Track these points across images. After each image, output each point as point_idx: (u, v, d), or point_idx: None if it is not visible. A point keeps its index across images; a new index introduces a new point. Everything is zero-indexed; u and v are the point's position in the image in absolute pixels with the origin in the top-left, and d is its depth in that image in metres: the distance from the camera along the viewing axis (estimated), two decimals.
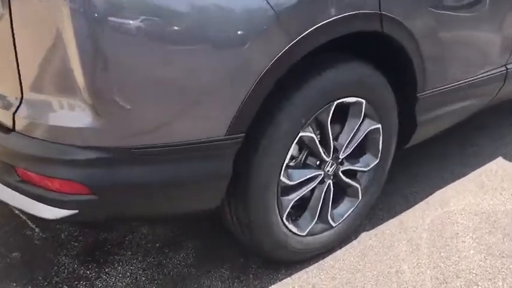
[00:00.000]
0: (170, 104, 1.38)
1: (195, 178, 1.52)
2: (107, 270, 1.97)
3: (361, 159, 2.06)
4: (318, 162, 1.90)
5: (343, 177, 2.00)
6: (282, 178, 1.75)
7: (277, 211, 1.80)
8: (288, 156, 1.73)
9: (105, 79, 1.29)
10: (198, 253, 2.08)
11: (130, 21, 1.26)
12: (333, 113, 1.80)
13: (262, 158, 1.65)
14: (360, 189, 2.08)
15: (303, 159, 1.89)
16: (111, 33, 1.27)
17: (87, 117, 1.32)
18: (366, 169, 2.06)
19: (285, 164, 1.73)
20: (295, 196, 1.86)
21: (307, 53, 1.57)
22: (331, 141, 1.86)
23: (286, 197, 1.83)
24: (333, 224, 2.03)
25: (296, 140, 1.72)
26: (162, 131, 1.39)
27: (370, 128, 1.98)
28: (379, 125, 2.01)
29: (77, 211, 1.42)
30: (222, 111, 1.46)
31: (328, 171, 1.93)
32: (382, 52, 1.93)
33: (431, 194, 2.51)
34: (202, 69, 1.38)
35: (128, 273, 1.95)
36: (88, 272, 1.96)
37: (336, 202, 2.07)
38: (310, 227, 1.94)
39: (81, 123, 1.33)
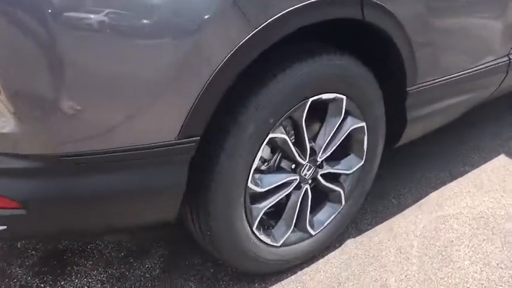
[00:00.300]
0: (105, 105, 1.18)
1: (142, 188, 1.33)
2: (62, 283, 1.80)
3: (343, 161, 1.86)
4: (293, 166, 1.70)
5: (323, 182, 1.80)
6: (250, 185, 1.56)
7: (246, 221, 1.61)
8: (256, 161, 1.53)
9: (23, 79, 1.09)
10: (165, 263, 1.90)
11: (50, 10, 1.06)
12: (309, 111, 1.59)
13: (226, 164, 1.45)
14: (342, 194, 1.88)
15: (276, 162, 1.69)
16: (32, 27, 1.07)
17: (6, 121, 1.13)
18: (349, 172, 1.87)
19: (252, 169, 1.53)
20: (267, 204, 1.67)
21: (273, 43, 1.37)
22: (307, 142, 1.66)
23: (256, 205, 1.64)
24: (312, 233, 1.84)
25: (265, 143, 1.53)
26: (97, 136, 1.20)
27: (353, 127, 1.78)
28: (363, 123, 1.80)
29: (4, 227, 1.24)
30: (170, 111, 1.26)
31: (305, 175, 1.73)
32: (366, 41, 1.72)
33: (425, 196, 2.31)
34: (142, 62, 1.18)
35: (85, 287, 1.78)
36: (42, 286, 1.78)
37: (316, 208, 1.88)
38: (285, 237, 1.76)
39: None
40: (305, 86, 1.54)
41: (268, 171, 1.69)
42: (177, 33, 1.20)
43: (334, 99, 1.67)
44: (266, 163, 1.69)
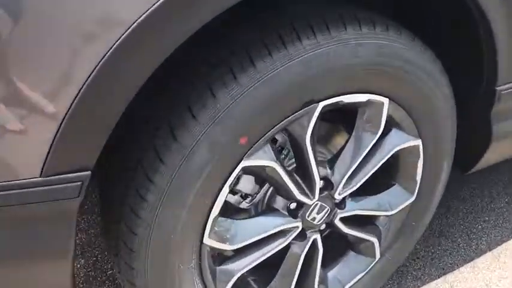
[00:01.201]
0: None
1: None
2: None
3: (381, 196, 1.19)
4: (292, 206, 1.06)
5: (346, 229, 1.15)
6: (208, 241, 0.94)
7: None
8: (218, 206, 0.91)
9: None
10: None
11: None
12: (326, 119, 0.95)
13: (159, 211, 0.85)
14: (377, 245, 1.22)
15: (265, 199, 1.06)
16: None
17: None
18: (389, 213, 1.19)
19: (211, 219, 0.92)
20: (246, 264, 1.05)
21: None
22: (316, 170, 1.01)
23: (225, 267, 1.03)
24: None
25: (234, 175, 0.90)
26: None
27: (399, 147, 1.10)
28: (419, 141, 1.12)
29: None
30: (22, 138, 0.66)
31: (312, 220, 1.08)
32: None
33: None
34: None
35: None
36: None
37: (333, 260, 1.24)
38: None
39: None
40: (310, 80, 0.88)
41: (251, 212, 1.06)
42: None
43: (367, 103, 0.99)
44: (248, 198, 1.06)
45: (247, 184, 1.03)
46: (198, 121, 0.82)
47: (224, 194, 0.91)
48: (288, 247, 1.12)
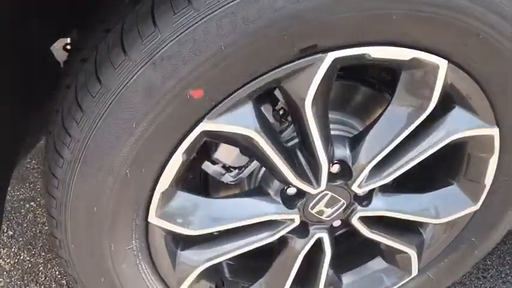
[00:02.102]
0: None
1: None
2: None
3: (427, 197, 0.86)
4: (290, 191, 0.78)
5: (367, 232, 0.85)
6: (156, 220, 0.70)
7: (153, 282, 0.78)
8: (169, 177, 0.66)
9: None
10: None
11: None
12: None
13: (76, 173, 0.63)
14: (415, 259, 0.91)
15: (258, 175, 0.80)
16: None
17: None
18: (436, 221, 0.86)
19: (158, 193, 0.67)
20: (215, 255, 0.80)
21: None
22: (322, 149, 0.71)
23: (190, 253, 0.79)
24: None
25: (189, 141, 0.64)
26: None
27: (463, 134, 0.76)
28: (494, 130, 0.77)
29: None
30: None
31: (319, 213, 0.80)
32: None
33: None
34: None
35: None
36: None
37: (354, 265, 0.95)
38: None
39: None
40: (309, 14, 0.57)
41: (235, 191, 0.80)
42: None
43: (411, 63, 0.66)
44: (233, 172, 0.79)
45: (229, 153, 0.76)
46: (130, 57, 0.57)
47: (176, 163, 0.66)
48: (285, 241, 0.85)
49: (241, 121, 0.65)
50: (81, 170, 0.62)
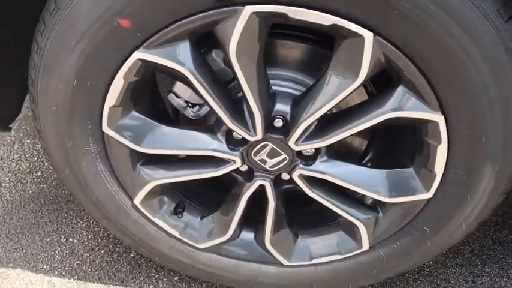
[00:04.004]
0: None
1: None
2: None
3: (377, 173, 0.86)
4: (236, 136, 0.85)
5: (307, 190, 0.89)
6: (107, 130, 0.83)
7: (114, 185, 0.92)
8: (114, 96, 0.78)
9: None
10: None
11: None
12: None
13: (40, 74, 0.78)
14: (365, 233, 0.92)
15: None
16: None
17: None
18: (383, 198, 0.87)
19: (106, 107, 0.80)
20: (167, 176, 0.91)
21: None
22: (253, 99, 0.77)
23: (147, 168, 0.91)
24: (284, 262, 0.99)
25: (127, 66, 0.75)
26: None
27: (399, 114, 0.76)
28: (438, 116, 0.75)
29: None
30: None
31: (262, 162, 0.86)
32: None
33: None
34: None
35: None
36: None
37: (313, 229, 1.00)
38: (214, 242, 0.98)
39: None
40: None
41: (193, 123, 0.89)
42: None
43: (333, 28, 0.68)
44: (195, 108, 0.88)
45: (187, 89, 0.85)
46: None
47: (118, 85, 0.77)
48: (235, 181, 0.93)
49: (174, 57, 0.73)
50: (43, 73, 0.77)
